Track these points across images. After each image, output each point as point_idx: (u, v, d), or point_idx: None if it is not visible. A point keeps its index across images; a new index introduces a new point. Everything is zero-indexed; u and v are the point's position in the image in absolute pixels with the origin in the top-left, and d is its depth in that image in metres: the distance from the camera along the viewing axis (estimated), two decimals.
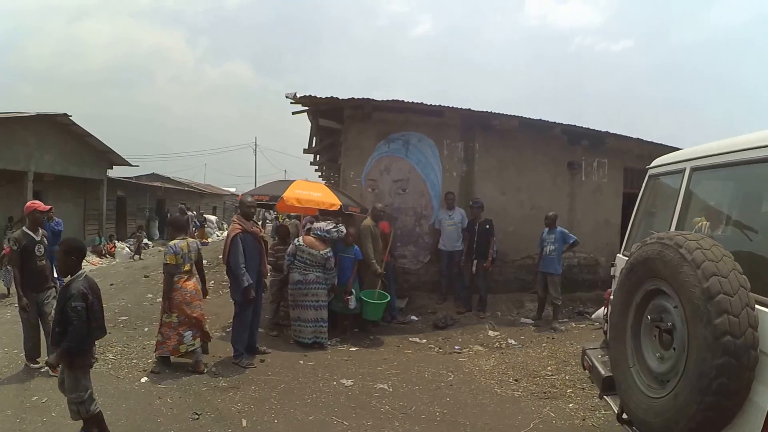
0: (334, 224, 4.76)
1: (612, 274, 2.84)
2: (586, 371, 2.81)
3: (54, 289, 3.86)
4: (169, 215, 10.98)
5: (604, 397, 2.43)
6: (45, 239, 3.91)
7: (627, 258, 2.23)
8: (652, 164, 2.77)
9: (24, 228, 3.85)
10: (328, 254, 4.60)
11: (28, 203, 4.00)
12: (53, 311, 3.66)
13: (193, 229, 14.61)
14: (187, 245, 3.90)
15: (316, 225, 4.81)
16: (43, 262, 3.81)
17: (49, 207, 4.01)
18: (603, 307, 2.92)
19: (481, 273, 5.89)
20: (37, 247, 3.75)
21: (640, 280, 1.96)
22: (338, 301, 4.98)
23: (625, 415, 2.07)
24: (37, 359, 3.78)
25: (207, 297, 6.79)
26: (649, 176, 2.78)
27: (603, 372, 2.44)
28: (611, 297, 2.69)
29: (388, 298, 5.29)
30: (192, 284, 3.94)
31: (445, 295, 6.29)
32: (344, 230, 4.80)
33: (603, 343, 2.80)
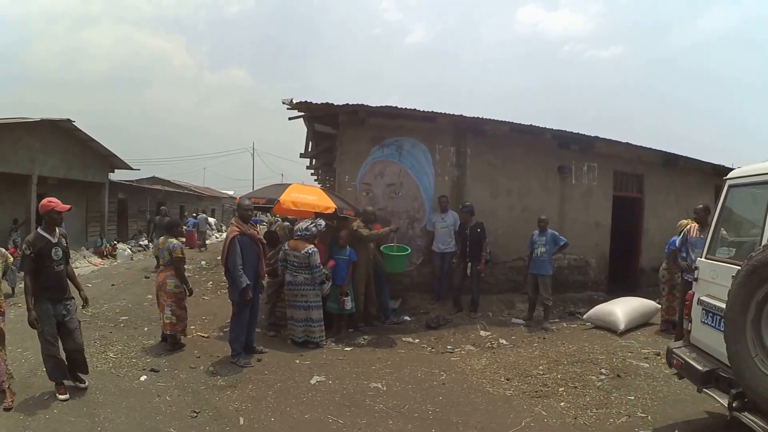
0: (311, 221, 4.86)
1: (695, 276, 3.05)
2: (673, 368, 3.03)
3: (73, 299, 3.48)
4: (157, 218, 11.19)
5: (705, 390, 2.63)
6: (64, 239, 3.45)
7: (712, 261, 2.83)
8: (731, 176, 3.00)
9: (39, 229, 3.38)
10: (309, 251, 4.65)
11: (44, 201, 3.40)
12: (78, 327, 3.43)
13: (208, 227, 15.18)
14: (163, 242, 4.64)
15: (296, 226, 4.97)
16: (61, 267, 3.37)
17: (68, 207, 3.46)
18: (686, 309, 3.14)
19: (475, 275, 5.97)
20: (54, 251, 3.31)
21: (764, 279, 2.20)
22: (334, 302, 5.09)
23: (736, 404, 2.31)
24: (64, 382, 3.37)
25: (204, 298, 6.97)
26: (729, 186, 3.00)
27: (701, 368, 2.66)
28: (693, 298, 2.98)
29: (408, 251, 5.49)
30: (161, 276, 4.61)
31: (438, 295, 6.39)
32: (323, 223, 4.88)
33: (684, 341, 3.06)
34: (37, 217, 10.60)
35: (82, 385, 3.46)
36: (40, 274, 3.25)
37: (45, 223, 3.38)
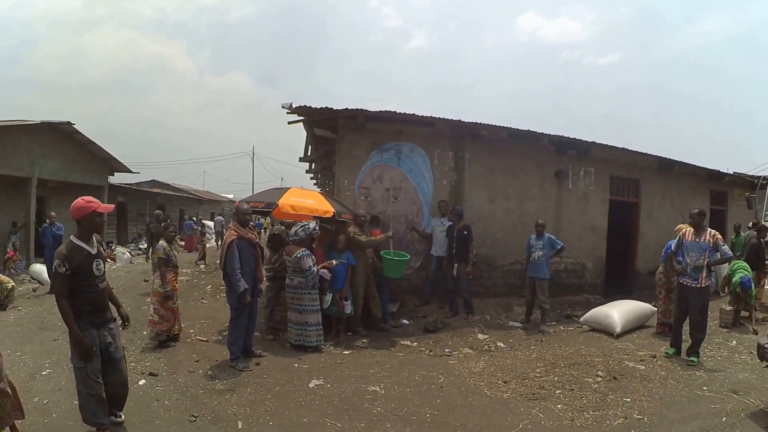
0: (300, 225, 4.88)
1: None
2: (764, 361, 3.35)
3: (116, 321, 2.89)
4: (152, 225, 11.29)
5: None
6: (102, 247, 2.81)
7: None
8: None
9: (73, 238, 2.65)
10: (299, 255, 4.65)
11: (80, 202, 2.66)
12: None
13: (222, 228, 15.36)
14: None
15: (290, 231, 5.04)
16: (105, 283, 2.73)
17: (112, 206, 2.90)
18: None
19: (463, 276, 5.97)
20: (95, 264, 2.64)
21: None
22: (333, 306, 5.10)
23: None
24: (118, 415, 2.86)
25: (203, 302, 6.99)
26: None
27: None
28: None
29: (407, 257, 5.64)
30: (154, 276, 5.04)
31: (427, 297, 6.42)
32: (311, 226, 4.87)
33: None
34: (37, 219, 10.69)
35: (119, 420, 2.92)
36: (78, 295, 2.57)
37: (80, 230, 2.66)
